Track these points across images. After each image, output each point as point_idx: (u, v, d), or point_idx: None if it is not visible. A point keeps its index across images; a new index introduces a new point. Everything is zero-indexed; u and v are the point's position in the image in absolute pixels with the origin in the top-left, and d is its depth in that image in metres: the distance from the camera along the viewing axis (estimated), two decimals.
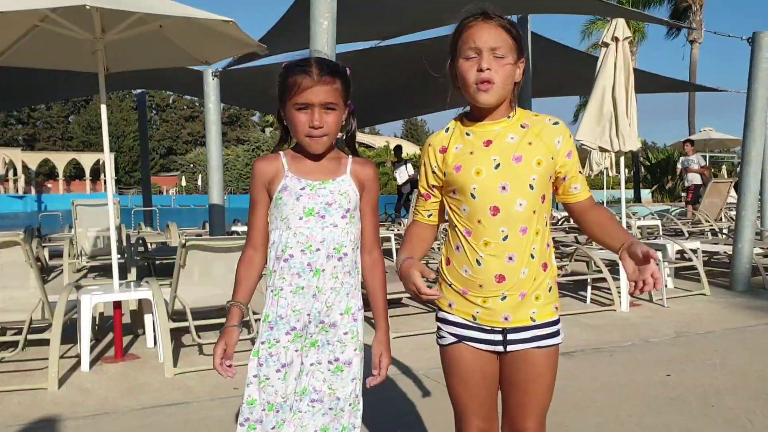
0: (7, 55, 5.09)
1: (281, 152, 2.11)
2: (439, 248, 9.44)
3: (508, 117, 1.96)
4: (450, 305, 2.00)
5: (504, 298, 1.91)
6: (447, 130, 2.04)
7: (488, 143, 1.94)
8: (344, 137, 2.15)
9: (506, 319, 1.92)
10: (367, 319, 2.16)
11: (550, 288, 1.97)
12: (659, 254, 6.91)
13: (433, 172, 2.03)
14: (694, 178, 14.67)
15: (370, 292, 2.16)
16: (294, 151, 2.11)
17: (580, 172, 2.01)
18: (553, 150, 1.93)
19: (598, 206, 2.03)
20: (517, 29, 1.93)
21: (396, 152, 16.84)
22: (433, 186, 2.06)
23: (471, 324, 1.96)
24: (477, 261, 1.91)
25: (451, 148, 1.99)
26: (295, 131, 2.03)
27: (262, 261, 2.11)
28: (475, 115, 1.98)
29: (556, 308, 1.99)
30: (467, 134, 1.98)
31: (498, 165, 1.90)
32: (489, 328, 1.94)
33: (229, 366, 2.03)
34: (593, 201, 2.03)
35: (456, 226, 1.97)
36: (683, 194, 16.22)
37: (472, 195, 1.91)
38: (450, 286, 1.99)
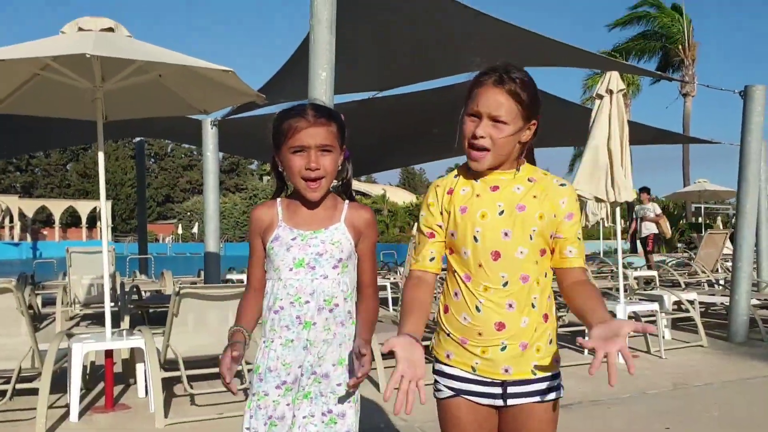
0: (7, 102, 5.13)
1: (278, 199, 2.10)
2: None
3: (517, 170, 1.95)
4: (448, 356, 1.96)
5: (504, 348, 1.87)
6: (455, 175, 2.03)
7: (495, 188, 1.93)
8: (340, 183, 2.13)
9: (507, 371, 1.88)
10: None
11: (551, 340, 1.94)
12: (656, 305, 6.90)
13: (440, 212, 1.99)
14: (651, 228, 14.79)
15: (359, 321, 2.08)
16: (290, 198, 2.09)
17: (578, 238, 1.95)
18: (556, 209, 1.92)
19: (590, 282, 1.95)
20: (529, 91, 1.88)
21: None
22: (439, 225, 1.99)
23: (470, 377, 1.92)
24: (476, 307, 1.88)
25: (458, 190, 1.97)
26: (290, 174, 2.00)
27: (261, 302, 2.08)
28: None
29: (557, 361, 1.96)
30: (474, 179, 1.97)
31: (502, 211, 1.90)
32: (489, 381, 1.90)
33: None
34: (586, 274, 1.96)
35: (456, 270, 1.95)
36: (638, 243, 16.18)
37: (475, 238, 1.90)
38: (448, 335, 1.95)
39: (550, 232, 1.92)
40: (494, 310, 1.87)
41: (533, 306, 1.89)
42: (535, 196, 1.91)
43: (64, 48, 4.29)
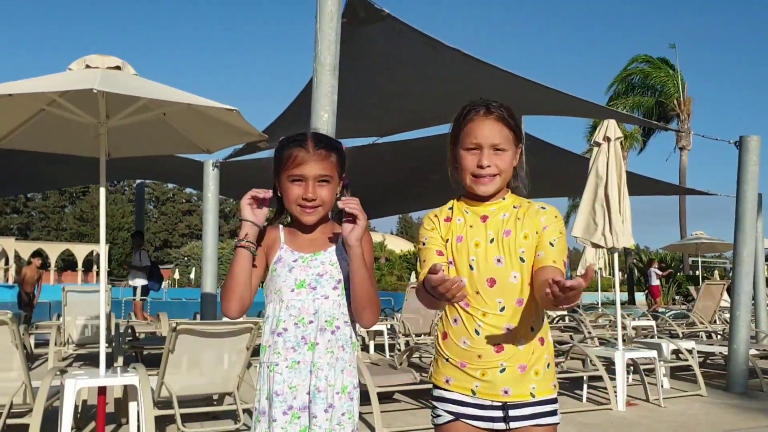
0: (11, 137, 5.18)
1: (280, 225, 2.14)
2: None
3: (503, 199, 2.04)
4: (447, 381, 1.98)
5: (503, 370, 1.90)
6: (450, 208, 2.10)
7: (485, 218, 2.01)
8: (336, 212, 2.16)
9: (506, 392, 1.91)
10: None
11: (548, 365, 1.97)
12: (654, 353, 6.85)
13: (440, 236, 2.04)
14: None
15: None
16: (288, 226, 2.14)
17: (551, 243, 1.95)
18: (537, 225, 1.99)
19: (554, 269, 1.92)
20: (514, 117, 2.02)
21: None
22: (440, 249, 2.03)
23: (469, 401, 1.94)
24: (476, 330, 1.93)
25: (454, 220, 2.05)
26: (287, 202, 2.05)
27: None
28: (471, 196, 2.06)
29: (555, 386, 1.99)
30: (466, 211, 2.05)
31: (492, 239, 1.97)
32: (488, 404, 1.92)
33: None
34: (557, 269, 1.92)
35: None
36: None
37: (471, 266, 1.96)
38: (447, 360, 1.98)
39: (538, 250, 1.97)
40: (493, 334, 1.92)
41: (532, 329, 1.95)
42: (518, 218, 1.99)
43: (71, 83, 4.35)
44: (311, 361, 1.99)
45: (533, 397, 1.92)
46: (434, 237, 2.04)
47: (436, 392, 2.01)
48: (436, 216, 2.08)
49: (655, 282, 20.21)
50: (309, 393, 1.98)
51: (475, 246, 1.97)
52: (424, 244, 2.05)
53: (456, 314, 1.98)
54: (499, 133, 1.97)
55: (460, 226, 2.02)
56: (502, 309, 1.93)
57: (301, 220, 2.05)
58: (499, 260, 1.95)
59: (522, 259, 1.95)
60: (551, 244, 1.97)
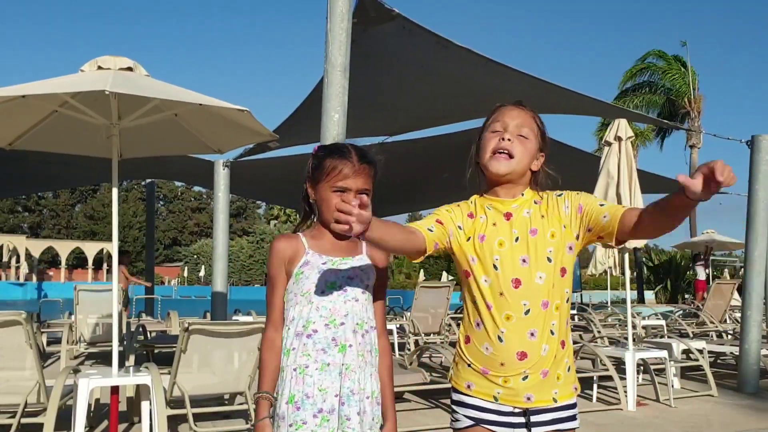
0: (24, 138, 5.21)
1: (300, 233, 2.13)
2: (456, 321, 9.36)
3: (522, 195, 2.02)
4: (469, 386, 1.97)
5: (526, 377, 1.89)
6: (472, 202, 2.08)
7: (509, 216, 1.98)
8: None
9: (529, 399, 1.90)
10: None
11: (569, 368, 1.96)
12: (665, 353, 6.83)
13: (459, 227, 2.01)
14: None
15: (380, 381, 2.10)
16: (310, 230, 2.14)
17: (601, 204, 1.95)
18: (564, 219, 1.97)
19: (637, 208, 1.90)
20: (541, 121, 2.03)
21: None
22: (442, 222, 2.00)
23: (491, 407, 1.92)
24: (498, 337, 1.90)
25: (477, 217, 2.02)
26: (327, 210, 2.04)
27: (281, 342, 2.06)
28: (492, 189, 2.03)
29: (576, 389, 1.98)
30: (488, 207, 2.02)
31: (518, 238, 1.94)
32: (509, 411, 1.91)
33: None
34: (632, 208, 1.90)
35: (476, 300, 1.96)
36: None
37: (495, 266, 1.93)
38: (469, 366, 1.97)
39: (566, 244, 1.95)
40: (516, 340, 1.89)
41: (552, 333, 1.92)
42: (542, 216, 1.97)
43: (83, 85, 4.37)
44: (342, 363, 1.99)
45: (555, 402, 1.91)
46: (443, 213, 2.02)
47: (456, 396, 2.00)
48: (458, 205, 2.06)
49: (702, 276, 19.88)
50: (337, 396, 1.97)
51: (499, 245, 1.94)
52: (434, 212, 2.06)
53: (478, 318, 1.95)
54: (525, 120, 1.97)
55: (482, 225, 1.99)
56: (527, 312, 1.90)
57: (337, 230, 2.05)
58: (524, 260, 1.92)
59: (549, 259, 1.92)
60: (602, 205, 1.94)
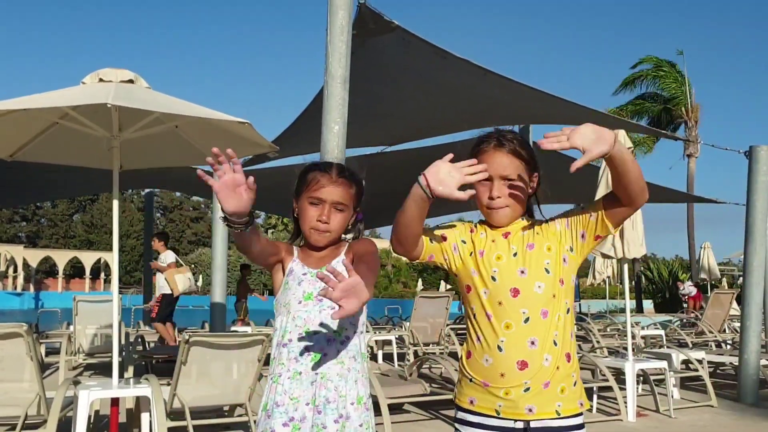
0: (25, 150, 5.22)
1: (294, 245, 2.22)
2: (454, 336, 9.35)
3: (520, 219, 2.08)
4: (471, 402, 1.98)
5: (527, 389, 1.90)
6: (473, 223, 2.15)
7: (507, 235, 2.04)
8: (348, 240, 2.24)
9: (530, 410, 1.90)
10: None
11: (575, 382, 1.96)
12: (665, 363, 6.83)
13: (463, 241, 2.07)
14: None
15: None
16: (302, 247, 2.21)
17: (582, 207, 2.05)
18: (557, 234, 2.03)
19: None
20: (527, 148, 2.05)
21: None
22: (454, 243, 2.06)
23: (493, 423, 1.93)
24: (498, 347, 1.92)
25: (478, 233, 2.08)
26: (302, 222, 2.13)
27: (265, 240, 2.11)
28: (490, 224, 2.11)
29: (582, 404, 1.98)
30: (489, 227, 2.09)
31: (516, 253, 1.99)
32: (511, 425, 1.92)
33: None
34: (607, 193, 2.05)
35: (476, 313, 2.00)
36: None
37: (493, 278, 1.97)
38: (471, 381, 1.99)
39: (562, 256, 2.01)
40: (516, 349, 1.91)
41: (555, 343, 1.93)
42: (538, 233, 2.03)
43: (85, 98, 4.39)
44: (316, 372, 2.02)
45: (558, 414, 1.91)
46: (448, 228, 2.09)
47: (459, 415, 2.01)
48: (463, 222, 2.14)
49: (694, 291, 20.77)
50: (309, 404, 2.00)
51: (496, 259, 1.99)
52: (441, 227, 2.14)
53: (479, 332, 1.98)
54: (510, 165, 2.00)
55: (482, 240, 2.05)
56: (527, 320, 1.92)
57: (310, 241, 2.13)
58: (522, 271, 1.96)
59: (547, 270, 1.97)
60: (583, 207, 2.04)
